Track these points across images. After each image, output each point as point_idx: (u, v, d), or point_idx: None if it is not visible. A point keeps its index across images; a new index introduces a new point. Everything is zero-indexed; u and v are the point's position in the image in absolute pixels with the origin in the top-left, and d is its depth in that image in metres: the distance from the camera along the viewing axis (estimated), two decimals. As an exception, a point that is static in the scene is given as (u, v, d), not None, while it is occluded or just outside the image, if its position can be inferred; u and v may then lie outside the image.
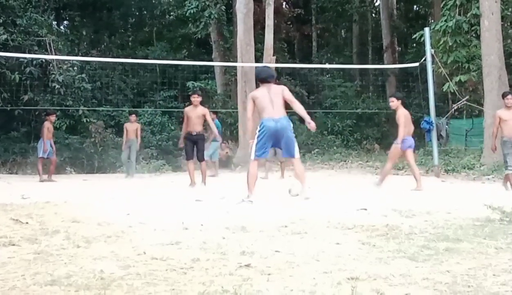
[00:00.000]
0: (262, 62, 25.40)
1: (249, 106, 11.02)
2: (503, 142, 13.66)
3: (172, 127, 27.57)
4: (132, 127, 20.15)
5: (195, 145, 14.98)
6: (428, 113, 18.36)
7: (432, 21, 30.53)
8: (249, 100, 11.15)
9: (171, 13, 37.40)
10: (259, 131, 10.84)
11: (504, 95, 14.08)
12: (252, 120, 11.10)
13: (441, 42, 22.40)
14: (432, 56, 18.50)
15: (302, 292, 4.31)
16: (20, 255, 5.60)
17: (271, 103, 10.82)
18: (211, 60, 31.06)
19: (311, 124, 10.86)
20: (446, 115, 20.99)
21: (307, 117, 10.94)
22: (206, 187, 14.46)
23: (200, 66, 30.49)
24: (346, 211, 8.97)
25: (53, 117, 19.27)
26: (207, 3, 28.94)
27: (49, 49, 24.76)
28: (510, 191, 13.18)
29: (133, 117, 20.62)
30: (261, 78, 11.26)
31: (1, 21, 24.36)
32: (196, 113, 14.81)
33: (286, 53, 36.35)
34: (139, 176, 20.43)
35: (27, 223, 7.55)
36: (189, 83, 29.72)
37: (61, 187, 14.85)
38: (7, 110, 20.44)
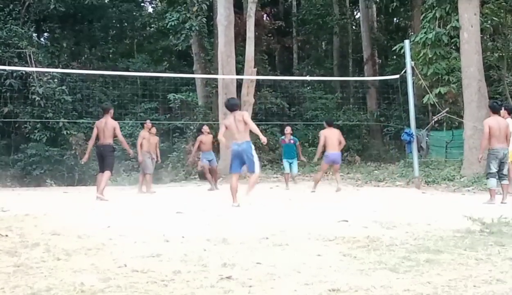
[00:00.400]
0: (243, 74, 25.42)
1: (221, 130, 13.29)
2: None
3: (153, 140, 27.52)
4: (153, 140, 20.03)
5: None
6: (409, 125, 18.42)
7: (412, 33, 30.65)
8: (222, 126, 13.60)
9: (152, 25, 37.37)
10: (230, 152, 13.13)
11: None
12: (223, 139, 13.28)
13: (421, 54, 22.50)
14: (412, 68, 18.57)
15: (283, 304, 4.31)
16: (0, 268, 5.56)
17: (236, 129, 12.74)
18: (192, 72, 31.02)
19: (263, 139, 12.75)
20: (426, 127, 21.07)
21: (260, 134, 12.71)
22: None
23: (181, 78, 30.45)
24: (327, 222, 8.98)
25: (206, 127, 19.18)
26: (188, 15, 28.89)
27: (29, 61, 24.69)
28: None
29: (153, 130, 20.48)
30: (230, 108, 13.16)
31: (-19, 33, 24.31)
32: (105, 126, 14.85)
33: (267, 65, 36.37)
34: (120, 188, 20.35)
35: (6, 235, 7.51)
36: (170, 95, 29.68)
37: (41, 199, 14.75)
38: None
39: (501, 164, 12.92)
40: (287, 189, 18.16)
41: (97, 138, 15.03)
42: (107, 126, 14.75)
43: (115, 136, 15.02)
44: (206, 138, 18.83)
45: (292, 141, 18.84)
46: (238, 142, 12.73)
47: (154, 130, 18.27)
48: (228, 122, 13.00)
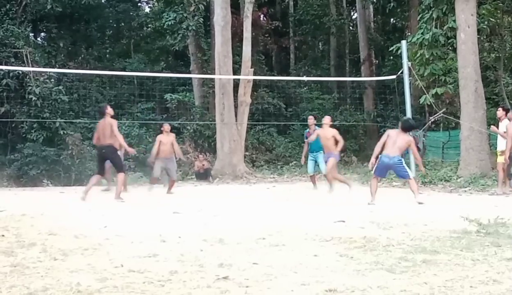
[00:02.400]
0: (240, 74, 25.43)
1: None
2: None
3: (150, 140, 27.37)
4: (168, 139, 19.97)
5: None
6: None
7: (409, 34, 30.65)
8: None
9: (149, 25, 37.39)
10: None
11: None
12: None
13: (417, 55, 22.50)
14: (409, 68, 18.59)
15: (280, 304, 4.31)
16: (-4, 268, 5.56)
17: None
18: (189, 72, 31.02)
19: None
20: (423, 128, 21.11)
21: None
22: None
23: (178, 78, 30.47)
24: (324, 223, 8.98)
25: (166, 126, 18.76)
26: (185, 15, 28.88)
27: (26, 61, 24.64)
28: None
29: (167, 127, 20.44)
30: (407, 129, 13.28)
31: (-23, 33, 24.27)
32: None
33: (264, 66, 36.35)
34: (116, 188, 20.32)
35: (3, 235, 7.50)
36: (167, 96, 29.68)
37: (38, 199, 14.74)
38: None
39: None
40: (315, 188, 18.04)
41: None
42: (106, 126, 14.46)
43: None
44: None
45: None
46: (390, 155, 12.85)
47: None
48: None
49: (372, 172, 13.37)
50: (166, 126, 17.87)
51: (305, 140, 18.12)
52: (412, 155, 16.81)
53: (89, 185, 14.43)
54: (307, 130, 18.42)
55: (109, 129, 14.26)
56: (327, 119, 16.87)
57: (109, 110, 14.71)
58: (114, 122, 14.45)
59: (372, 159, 13.12)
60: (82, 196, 13.80)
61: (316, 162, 17.90)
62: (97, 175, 14.80)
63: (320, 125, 17.11)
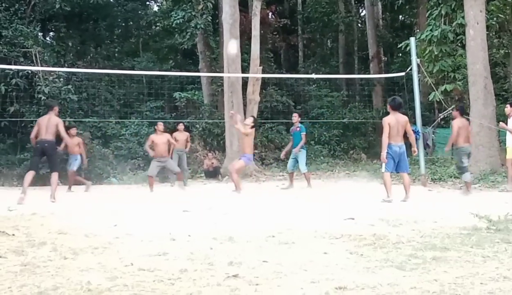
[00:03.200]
0: (248, 72, 25.43)
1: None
2: None
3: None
4: (182, 136, 20.15)
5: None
6: (415, 123, 18.39)
7: (418, 30, 30.62)
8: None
9: (157, 24, 37.37)
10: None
11: None
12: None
13: (426, 52, 22.46)
14: (418, 65, 18.54)
15: (290, 302, 4.31)
16: (7, 267, 5.58)
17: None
18: (198, 70, 31.01)
19: None
20: (432, 125, 21.03)
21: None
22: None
23: (187, 76, 30.47)
24: (334, 220, 8.98)
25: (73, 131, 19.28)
26: (193, 13, 28.87)
27: (35, 61, 24.67)
28: None
29: (181, 126, 20.59)
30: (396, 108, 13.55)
31: (-14, 33, 24.32)
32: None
33: (272, 63, 36.31)
34: (126, 186, 20.37)
35: (13, 235, 7.52)
36: (176, 94, 29.69)
37: (48, 198, 14.76)
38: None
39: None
40: (291, 187, 18.02)
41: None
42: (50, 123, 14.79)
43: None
44: (72, 140, 18.94)
45: (298, 129, 18.39)
46: (398, 144, 13.20)
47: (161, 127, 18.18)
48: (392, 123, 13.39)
49: (384, 167, 13.22)
50: (160, 126, 18.08)
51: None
52: (419, 151, 16.83)
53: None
54: (292, 127, 18.78)
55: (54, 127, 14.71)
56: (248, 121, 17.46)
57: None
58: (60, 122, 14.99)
59: (384, 152, 13.05)
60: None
61: (296, 160, 18.24)
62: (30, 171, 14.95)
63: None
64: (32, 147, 15.53)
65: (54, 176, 14.68)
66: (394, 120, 13.05)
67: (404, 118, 13.34)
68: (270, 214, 10.27)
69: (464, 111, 15.99)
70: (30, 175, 14.59)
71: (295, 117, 18.52)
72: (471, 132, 17.34)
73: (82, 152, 19.10)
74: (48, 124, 14.58)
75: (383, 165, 13.16)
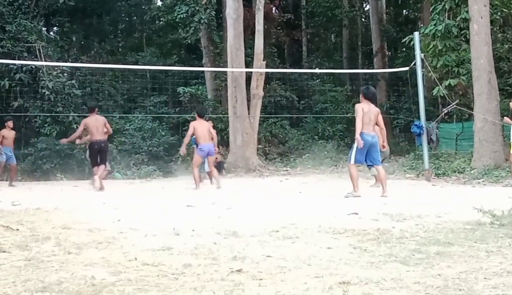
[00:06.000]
0: (252, 67, 25.43)
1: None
2: None
3: (163, 133, 27.48)
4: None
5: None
6: (418, 118, 18.39)
7: (422, 25, 30.59)
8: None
9: (161, 19, 37.42)
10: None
11: None
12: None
13: (430, 46, 22.44)
14: (422, 60, 18.52)
15: (293, 297, 4.31)
16: (11, 262, 5.58)
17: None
18: (201, 65, 31.05)
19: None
20: (436, 119, 21.00)
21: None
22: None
23: (191, 71, 30.48)
24: (337, 215, 8.97)
25: (10, 123, 19.21)
26: (197, 8, 28.89)
27: (39, 56, 24.71)
28: None
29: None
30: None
31: (-10, 27, 24.36)
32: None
33: (276, 58, 36.35)
34: (130, 181, 20.41)
35: (17, 229, 7.53)
36: (180, 89, 29.72)
37: (52, 193, 14.81)
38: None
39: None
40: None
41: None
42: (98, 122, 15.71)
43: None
44: (8, 133, 19.16)
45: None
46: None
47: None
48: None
49: (353, 158, 12.63)
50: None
51: None
52: (423, 146, 16.80)
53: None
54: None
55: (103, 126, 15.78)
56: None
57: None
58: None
59: (358, 137, 12.42)
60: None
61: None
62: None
63: None
64: (89, 147, 16.45)
65: (102, 168, 15.71)
66: (367, 107, 12.77)
67: (377, 109, 12.99)
68: (273, 209, 10.27)
69: None
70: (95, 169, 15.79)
71: None
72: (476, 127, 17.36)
73: (10, 145, 19.21)
74: (97, 125, 15.50)
75: (352, 155, 12.60)
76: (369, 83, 33.82)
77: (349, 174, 12.87)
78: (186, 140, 16.49)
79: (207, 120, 17.42)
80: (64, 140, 17.75)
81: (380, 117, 13.03)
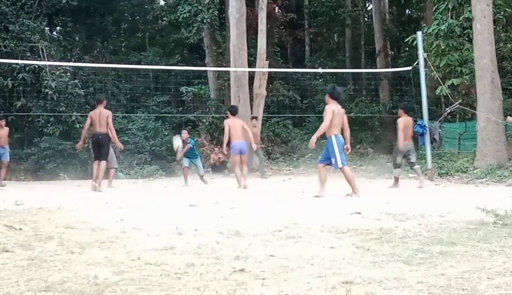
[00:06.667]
0: (255, 67, 25.42)
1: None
2: None
3: (166, 133, 27.46)
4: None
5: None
6: (421, 117, 18.37)
7: (425, 24, 30.55)
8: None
9: (164, 18, 37.43)
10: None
11: None
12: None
13: (433, 46, 22.43)
14: (425, 59, 18.51)
15: (296, 297, 4.31)
16: (14, 262, 5.60)
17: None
18: (204, 65, 31.03)
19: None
20: (439, 119, 20.98)
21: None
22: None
23: (193, 71, 30.49)
24: (340, 215, 8.98)
25: (1, 122, 19.02)
26: (200, 8, 28.90)
27: (41, 55, 24.72)
28: None
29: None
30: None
31: (-7, 27, 24.38)
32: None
33: (279, 58, 36.34)
34: (133, 181, 20.42)
35: (20, 229, 7.55)
36: (183, 88, 29.74)
37: (55, 193, 14.83)
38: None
39: None
40: (185, 185, 17.70)
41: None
42: (102, 116, 15.71)
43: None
44: (1, 131, 18.88)
45: (189, 145, 18.05)
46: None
47: None
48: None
49: (340, 161, 12.68)
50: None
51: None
52: (426, 145, 16.86)
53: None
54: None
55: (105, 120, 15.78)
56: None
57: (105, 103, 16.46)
58: (110, 114, 15.96)
59: (315, 137, 12.77)
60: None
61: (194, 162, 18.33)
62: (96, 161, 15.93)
63: None
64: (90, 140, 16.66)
65: (103, 164, 15.66)
66: (336, 109, 12.81)
67: (343, 110, 13.21)
68: (276, 208, 10.28)
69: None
70: (98, 164, 15.77)
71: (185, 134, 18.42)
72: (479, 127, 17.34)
73: (4, 143, 18.91)
74: (100, 118, 15.58)
75: (338, 159, 12.60)
76: (372, 82, 33.94)
77: (346, 177, 12.91)
78: (226, 139, 16.47)
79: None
80: (80, 145, 17.62)
81: (345, 118, 13.23)
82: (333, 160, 12.76)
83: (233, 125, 16.04)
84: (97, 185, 15.29)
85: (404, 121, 15.38)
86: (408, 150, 15.56)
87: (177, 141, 18.19)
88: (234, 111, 16.76)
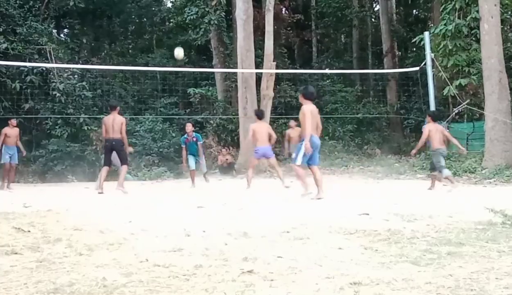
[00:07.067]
0: (262, 68, 25.42)
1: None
2: None
3: (173, 134, 27.54)
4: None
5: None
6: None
7: (432, 25, 30.51)
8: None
9: (171, 20, 37.45)
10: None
11: None
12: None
13: (441, 46, 22.40)
14: (432, 60, 18.52)
15: (305, 298, 4.31)
16: (23, 264, 5.61)
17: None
18: (212, 66, 31.06)
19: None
20: (447, 119, 20.98)
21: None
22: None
23: (201, 72, 30.51)
24: (348, 215, 8.97)
25: (13, 122, 18.87)
26: (207, 9, 28.96)
27: (49, 58, 24.81)
28: None
29: (293, 123, 21.22)
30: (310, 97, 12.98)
31: (1, 30, 24.46)
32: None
33: (286, 59, 36.32)
34: (141, 182, 20.44)
35: (29, 231, 7.56)
36: (190, 90, 29.78)
37: (63, 195, 14.87)
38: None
39: None
40: (192, 187, 17.63)
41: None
42: (115, 122, 15.56)
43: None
44: (11, 131, 18.62)
45: (194, 139, 18.08)
46: (317, 136, 12.62)
47: None
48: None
49: (299, 159, 12.45)
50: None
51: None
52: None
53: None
54: (186, 136, 18.31)
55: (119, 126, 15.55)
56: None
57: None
58: (124, 121, 15.80)
59: (307, 141, 12.30)
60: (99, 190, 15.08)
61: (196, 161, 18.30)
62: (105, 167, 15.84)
63: None
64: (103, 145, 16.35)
65: (124, 168, 15.75)
66: (314, 110, 12.77)
67: (317, 110, 13.04)
68: (284, 209, 10.27)
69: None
70: (105, 170, 15.78)
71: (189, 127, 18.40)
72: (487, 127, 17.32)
73: (13, 143, 18.75)
74: (114, 124, 15.46)
75: (299, 157, 12.41)
76: (379, 83, 33.89)
77: (296, 174, 12.83)
78: (250, 141, 16.58)
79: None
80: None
81: (319, 118, 13.08)
82: (293, 155, 12.84)
83: (258, 129, 15.97)
84: (122, 188, 15.33)
85: (431, 129, 15.00)
86: (441, 153, 15.16)
87: None
88: (260, 115, 16.75)
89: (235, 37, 28.40)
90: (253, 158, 16.45)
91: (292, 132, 20.58)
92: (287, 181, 16.23)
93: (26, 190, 17.66)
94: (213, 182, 19.35)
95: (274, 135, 16.52)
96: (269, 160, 16.65)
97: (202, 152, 18.43)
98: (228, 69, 29.56)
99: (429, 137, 14.92)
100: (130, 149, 16.86)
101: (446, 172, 14.84)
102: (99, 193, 14.97)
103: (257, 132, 15.85)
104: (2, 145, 18.24)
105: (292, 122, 21.20)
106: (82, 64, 28.81)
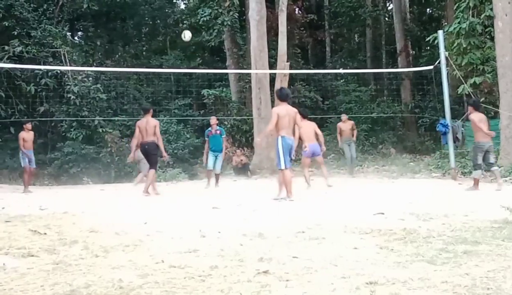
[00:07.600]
0: (275, 68, 25.40)
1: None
2: None
3: (188, 136, 27.57)
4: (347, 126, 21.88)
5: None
6: (444, 116, 18.30)
7: (446, 23, 30.40)
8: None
9: (184, 22, 37.42)
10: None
11: None
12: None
13: (455, 45, 22.30)
14: (446, 58, 18.44)
15: (320, 298, 4.31)
16: (39, 266, 5.63)
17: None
18: (225, 67, 31.06)
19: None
20: (462, 118, 20.85)
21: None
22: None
23: (215, 74, 30.51)
24: (363, 215, 8.96)
25: (28, 125, 18.82)
26: (220, 10, 28.96)
27: (64, 60, 24.90)
28: None
29: (344, 116, 22.25)
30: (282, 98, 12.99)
31: (16, 33, 24.54)
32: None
33: (299, 59, 36.24)
34: (155, 184, 20.47)
35: (45, 233, 7.59)
36: (204, 91, 29.78)
37: (78, 197, 14.91)
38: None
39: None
40: (207, 187, 17.74)
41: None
42: (149, 125, 15.47)
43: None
44: (27, 135, 18.53)
45: (218, 132, 18.10)
46: (291, 137, 12.76)
47: None
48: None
49: (283, 163, 12.41)
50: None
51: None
52: (448, 144, 16.68)
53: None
54: (210, 129, 18.38)
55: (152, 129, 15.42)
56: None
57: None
58: (158, 124, 15.68)
59: (259, 139, 12.58)
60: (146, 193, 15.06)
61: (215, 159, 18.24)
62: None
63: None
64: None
65: (151, 173, 15.76)
66: (284, 111, 12.62)
67: (294, 110, 12.95)
68: (299, 209, 10.27)
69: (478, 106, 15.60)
70: (152, 173, 15.91)
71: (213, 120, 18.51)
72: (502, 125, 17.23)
73: (30, 147, 18.71)
74: (147, 127, 15.46)
75: (282, 161, 12.38)
76: (393, 82, 33.79)
77: (283, 180, 12.63)
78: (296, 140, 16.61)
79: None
80: (131, 157, 17.66)
81: (298, 117, 13.11)
82: (276, 160, 12.81)
83: (305, 128, 15.92)
84: (153, 191, 15.43)
85: (476, 117, 14.86)
86: (487, 147, 14.88)
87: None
88: (305, 114, 16.77)
89: (248, 38, 28.38)
90: (304, 158, 16.50)
91: (343, 125, 20.91)
92: (330, 180, 16.26)
93: (42, 192, 17.71)
94: (228, 183, 19.34)
95: (321, 134, 16.60)
96: (316, 157, 16.64)
97: (224, 147, 18.45)
98: (241, 70, 29.54)
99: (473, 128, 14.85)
100: (165, 156, 16.91)
101: (476, 173, 14.72)
102: (146, 196, 14.93)
103: (303, 131, 15.78)
104: (20, 150, 18.32)
105: (344, 116, 21.49)
106: (96, 66, 28.89)
